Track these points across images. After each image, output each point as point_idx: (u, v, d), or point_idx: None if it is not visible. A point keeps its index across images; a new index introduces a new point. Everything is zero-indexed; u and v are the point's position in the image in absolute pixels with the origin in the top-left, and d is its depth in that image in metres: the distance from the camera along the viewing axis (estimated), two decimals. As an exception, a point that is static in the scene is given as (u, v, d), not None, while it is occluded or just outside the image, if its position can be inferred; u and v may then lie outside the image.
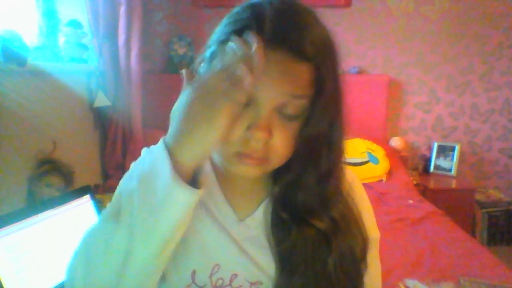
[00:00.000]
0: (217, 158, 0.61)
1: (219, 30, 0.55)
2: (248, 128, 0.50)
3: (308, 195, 0.57)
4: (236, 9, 0.54)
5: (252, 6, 0.53)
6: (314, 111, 0.52)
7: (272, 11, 0.51)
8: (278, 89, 0.49)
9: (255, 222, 0.62)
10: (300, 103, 0.51)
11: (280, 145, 0.52)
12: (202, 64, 0.59)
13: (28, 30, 2.02)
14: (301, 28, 0.50)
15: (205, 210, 0.62)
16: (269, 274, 0.59)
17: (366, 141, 2.60)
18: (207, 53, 0.56)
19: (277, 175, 0.59)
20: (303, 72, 0.50)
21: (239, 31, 0.50)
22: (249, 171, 0.54)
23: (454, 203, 2.57)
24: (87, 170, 2.32)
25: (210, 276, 0.59)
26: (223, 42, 0.52)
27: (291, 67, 0.49)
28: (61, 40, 2.16)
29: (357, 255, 0.59)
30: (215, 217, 0.62)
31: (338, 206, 0.59)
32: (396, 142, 2.87)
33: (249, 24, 0.50)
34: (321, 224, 0.56)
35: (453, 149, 2.90)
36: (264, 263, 0.59)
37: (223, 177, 0.64)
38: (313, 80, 0.51)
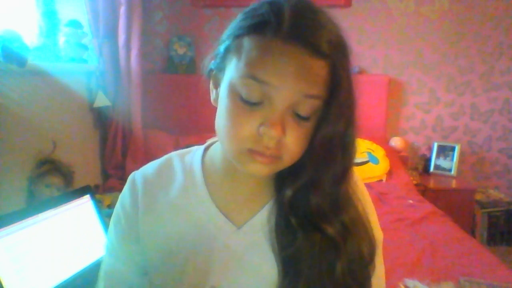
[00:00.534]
0: (222, 158, 0.62)
1: (234, 25, 0.55)
2: (261, 125, 0.50)
3: (322, 198, 0.56)
4: (253, 5, 0.54)
5: (270, 3, 0.52)
6: (330, 112, 0.52)
7: (290, 8, 0.51)
8: (294, 86, 0.49)
9: (255, 227, 0.60)
10: (314, 103, 0.51)
11: (292, 144, 0.52)
12: (213, 61, 0.58)
13: (28, 30, 2.02)
14: (318, 26, 0.50)
15: (198, 228, 0.60)
16: (272, 280, 0.57)
17: (366, 141, 2.59)
18: (221, 48, 0.56)
19: (287, 177, 0.58)
20: (320, 69, 0.50)
21: (256, 25, 0.51)
22: (260, 169, 0.53)
23: (454, 203, 2.57)
24: (87, 170, 2.32)
25: None
26: (239, 36, 0.52)
27: (308, 63, 0.49)
28: (61, 40, 2.16)
29: (365, 258, 0.58)
30: (210, 232, 0.60)
31: (349, 210, 0.58)
32: (396, 142, 2.87)
33: (268, 18, 0.50)
34: (331, 230, 0.55)
35: (453, 149, 2.89)
36: (266, 269, 0.58)
37: (218, 184, 0.63)
38: (328, 79, 0.51)
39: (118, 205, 0.66)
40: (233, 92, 0.52)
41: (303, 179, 0.55)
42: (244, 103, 0.51)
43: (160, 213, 0.62)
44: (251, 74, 0.49)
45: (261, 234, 0.60)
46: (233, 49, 0.53)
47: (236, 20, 0.55)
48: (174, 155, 0.68)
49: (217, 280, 0.58)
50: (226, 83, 0.53)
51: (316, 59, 0.49)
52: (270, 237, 0.59)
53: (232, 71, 0.52)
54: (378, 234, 0.64)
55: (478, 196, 2.80)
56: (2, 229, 1.06)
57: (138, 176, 0.66)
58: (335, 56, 0.50)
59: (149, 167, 0.67)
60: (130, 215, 0.63)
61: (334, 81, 0.51)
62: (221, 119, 0.54)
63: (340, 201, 0.57)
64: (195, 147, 0.69)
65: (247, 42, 0.51)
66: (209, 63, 0.60)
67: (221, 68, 0.56)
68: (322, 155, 0.54)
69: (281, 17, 0.50)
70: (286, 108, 0.50)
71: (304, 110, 0.51)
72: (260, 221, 0.60)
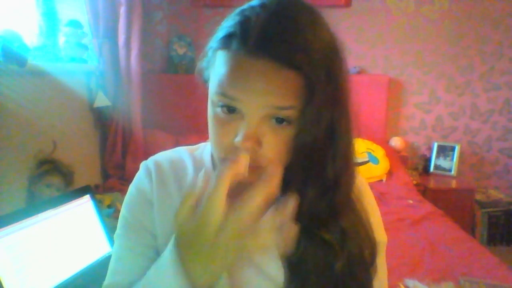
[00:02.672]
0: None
1: (215, 35, 0.54)
2: (236, 137, 0.50)
3: (314, 206, 0.54)
4: (231, 13, 0.53)
5: (243, 11, 0.51)
6: (305, 120, 0.49)
7: (261, 16, 0.48)
8: (262, 100, 0.48)
9: (262, 227, 0.60)
10: (289, 113, 0.49)
11: (271, 153, 0.51)
12: (204, 72, 0.58)
13: (28, 30, 2.03)
14: (292, 33, 0.47)
15: None
16: (279, 281, 0.57)
17: (366, 141, 2.60)
18: (205, 62, 0.56)
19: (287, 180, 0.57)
20: (290, 81, 0.47)
21: (224, 39, 0.50)
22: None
23: (454, 203, 2.57)
24: (87, 170, 2.32)
25: None
26: (214, 49, 0.52)
27: (275, 77, 0.47)
28: (61, 40, 2.16)
29: (367, 260, 0.58)
30: None
31: (349, 214, 0.57)
32: (396, 142, 2.87)
33: (234, 31, 0.49)
34: (329, 235, 0.55)
35: (453, 149, 2.90)
36: (272, 271, 0.58)
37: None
38: (302, 88, 0.48)
39: (133, 189, 0.64)
40: (212, 104, 0.53)
41: (290, 189, 0.54)
42: (222, 115, 0.51)
43: (173, 207, 0.61)
44: (221, 91, 0.50)
45: (268, 235, 0.59)
46: (211, 63, 0.53)
47: (217, 29, 0.54)
48: (183, 150, 0.68)
49: (225, 279, 0.58)
50: (208, 95, 0.54)
51: (285, 72, 0.47)
52: (276, 238, 0.59)
53: (210, 84, 0.53)
54: (382, 237, 0.64)
55: (478, 196, 2.80)
56: (2, 229, 1.06)
57: (150, 162, 0.65)
58: (310, 64, 0.47)
59: (160, 157, 0.67)
60: (147, 198, 0.62)
61: (310, 89, 0.48)
62: (208, 127, 0.55)
63: (338, 207, 0.56)
64: (202, 143, 0.69)
65: (218, 57, 0.51)
66: (203, 71, 0.60)
67: (207, 80, 0.56)
68: (305, 164, 0.53)
69: (248, 29, 0.48)
70: (259, 120, 0.49)
71: (279, 119, 0.50)
72: (267, 222, 0.60)
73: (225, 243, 0.45)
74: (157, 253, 0.61)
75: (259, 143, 0.50)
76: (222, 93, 0.50)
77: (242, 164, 0.47)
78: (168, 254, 0.48)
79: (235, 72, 0.48)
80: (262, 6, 0.50)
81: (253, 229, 0.46)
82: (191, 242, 0.46)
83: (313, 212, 0.54)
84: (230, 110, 0.50)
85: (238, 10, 0.52)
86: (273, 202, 0.61)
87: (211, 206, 0.44)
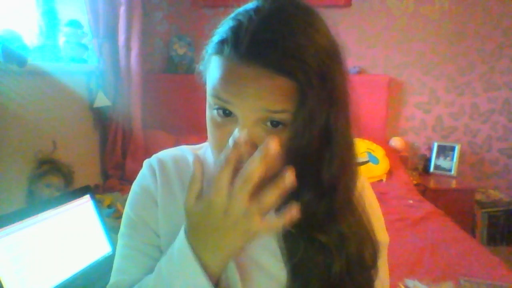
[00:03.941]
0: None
1: (212, 38, 0.54)
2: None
3: (311, 210, 0.54)
4: (229, 15, 0.53)
5: (237, 15, 0.51)
6: (297, 123, 0.49)
7: (253, 21, 0.48)
8: (254, 104, 0.48)
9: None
10: (282, 116, 0.49)
11: None
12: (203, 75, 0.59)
13: (28, 30, 2.03)
14: (284, 38, 0.47)
15: None
16: (281, 281, 0.57)
17: (366, 141, 2.60)
18: (201, 66, 0.57)
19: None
20: (282, 86, 0.47)
21: (218, 44, 0.51)
22: None
23: (454, 203, 2.57)
24: (87, 170, 2.32)
25: None
26: (210, 54, 0.53)
27: (267, 83, 0.47)
28: (61, 40, 2.16)
29: (367, 262, 0.58)
30: None
31: (348, 217, 0.57)
32: (396, 142, 2.87)
33: (226, 37, 0.50)
34: (326, 239, 0.55)
35: (453, 149, 2.89)
36: (275, 270, 0.58)
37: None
38: (295, 92, 0.48)
39: (136, 188, 0.64)
40: (209, 106, 0.53)
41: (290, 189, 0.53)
42: (218, 117, 0.52)
43: (176, 206, 0.61)
44: (215, 94, 0.50)
45: (271, 234, 0.59)
46: (207, 66, 0.54)
47: (214, 32, 0.54)
48: (186, 148, 0.68)
49: (228, 278, 0.58)
50: (206, 97, 0.55)
51: (277, 78, 0.47)
52: (278, 239, 0.59)
53: (207, 87, 0.54)
54: (384, 238, 0.64)
55: (478, 196, 2.80)
56: (2, 229, 1.06)
57: (153, 160, 0.65)
58: (301, 70, 0.47)
59: (164, 154, 0.66)
60: (152, 196, 0.62)
61: (302, 94, 0.48)
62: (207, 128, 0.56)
63: (336, 210, 0.55)
64: (206, 143, 0.69)
65: (212, 61, 0.52)
66: (205, 73, 0.60)
67: (206, 82, 0.57)
68: (300, 167, 0.51)
69: (239, 35, 0.48)
70: (252, 124, 0.50)
71: (275, 122, 0.50)
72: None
73: (233, 225, 0.45)
74: (161, 252, 0.61)
75: (254, 146, 0.50)
76: (217, 96, 0.50)
77: (243, 146, 0.47)
78: (179, 242, 0.49)
79: (227, 77, 0.49)
80: (256, 9, 0.50)
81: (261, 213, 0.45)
82: (199, 226, 0.47)
83: (310, 215, 0.54)
84: (226, 113, 0.51)
85: (234, 13, 0.52)
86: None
87: (216, 188, 0.45)
